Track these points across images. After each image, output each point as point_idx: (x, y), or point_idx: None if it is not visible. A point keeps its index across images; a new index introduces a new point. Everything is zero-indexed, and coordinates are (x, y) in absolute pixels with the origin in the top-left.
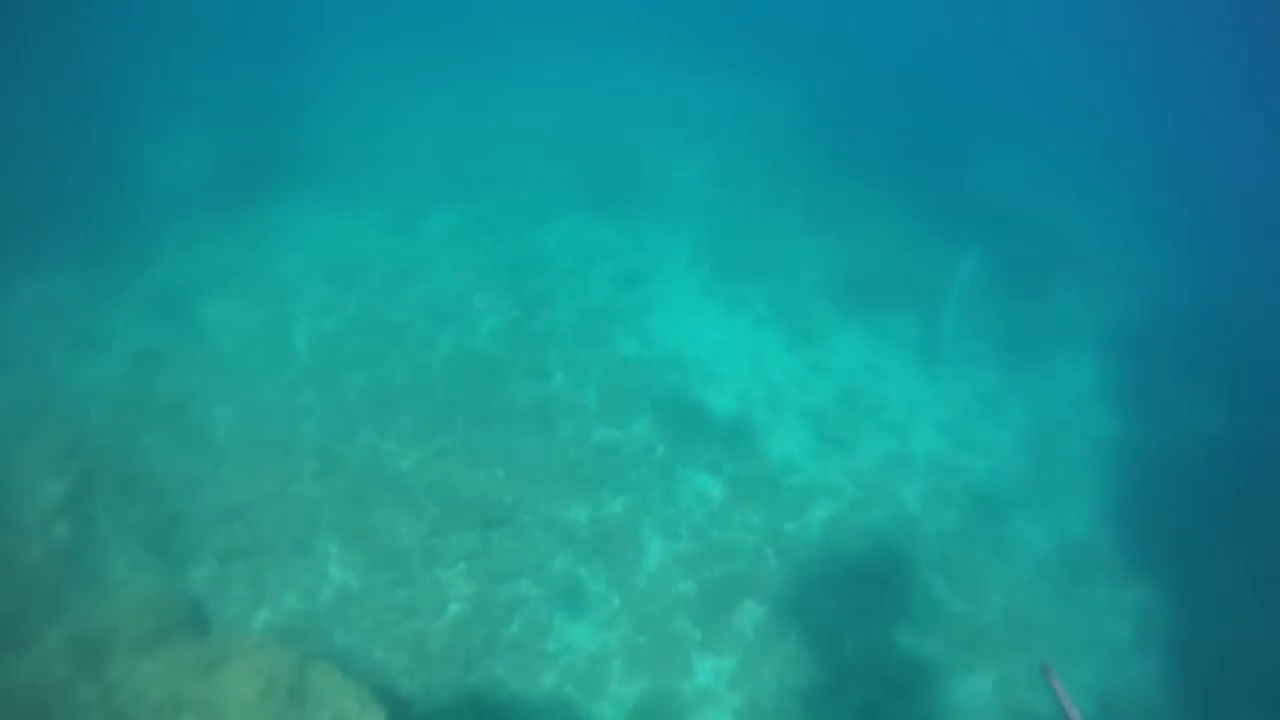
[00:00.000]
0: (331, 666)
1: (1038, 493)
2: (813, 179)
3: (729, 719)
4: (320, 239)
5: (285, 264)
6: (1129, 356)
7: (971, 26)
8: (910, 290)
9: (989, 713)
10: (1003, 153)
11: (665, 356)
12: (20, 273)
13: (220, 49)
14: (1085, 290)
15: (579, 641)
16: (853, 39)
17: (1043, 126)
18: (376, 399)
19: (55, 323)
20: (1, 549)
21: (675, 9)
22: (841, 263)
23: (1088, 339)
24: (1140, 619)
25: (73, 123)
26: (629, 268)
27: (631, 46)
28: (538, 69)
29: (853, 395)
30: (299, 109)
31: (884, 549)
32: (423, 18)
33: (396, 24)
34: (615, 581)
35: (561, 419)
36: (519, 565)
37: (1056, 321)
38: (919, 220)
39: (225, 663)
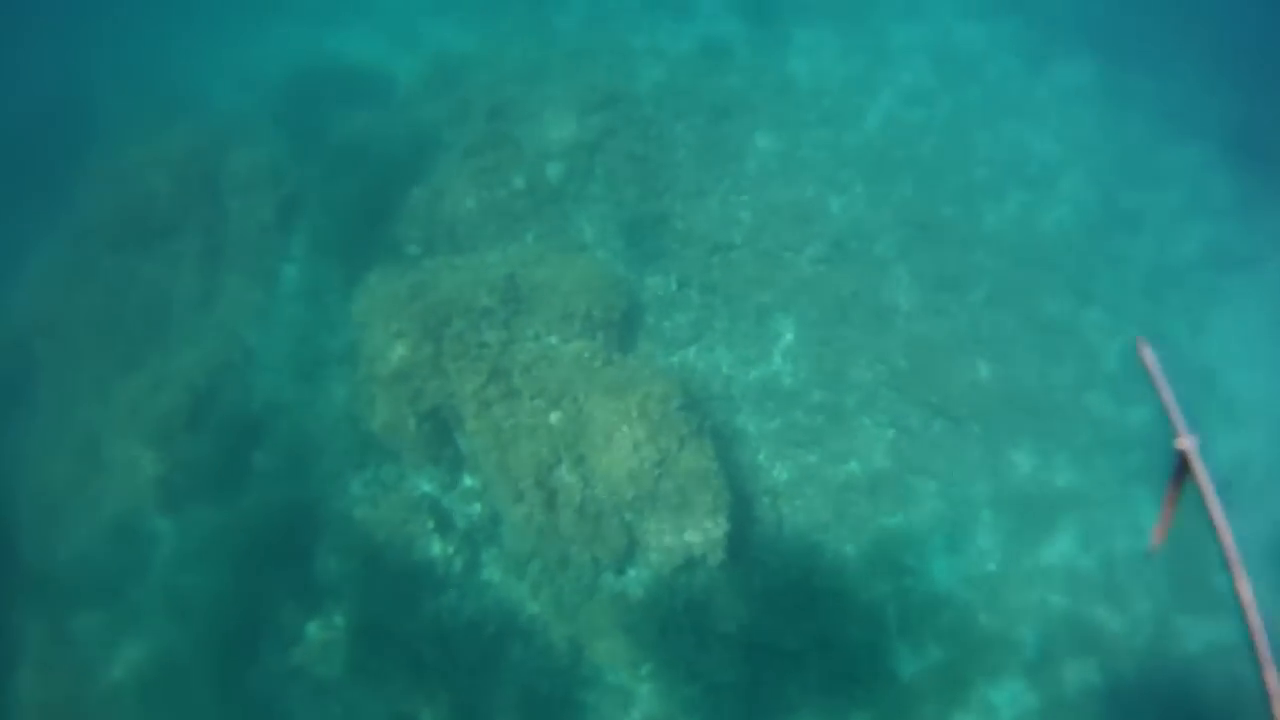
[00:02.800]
0: (711, 451)
1: None
2: None
3: None
4: (942, 23)
5: (897, 29)
6: None
7: None
8: None
9: None
10: None
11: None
12: None
13: None
14: None
15: None
16: None
17: None
18: (915, 221)
19: None
20: (497, 161)
21: None
22: None
23: None
24: None
25: None
26: (1229, 245)
27: None
28: None
29: None
30: None
31: None
32: None
33: None
34: None
35: None
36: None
37: None
38: None
39: (622, 392)
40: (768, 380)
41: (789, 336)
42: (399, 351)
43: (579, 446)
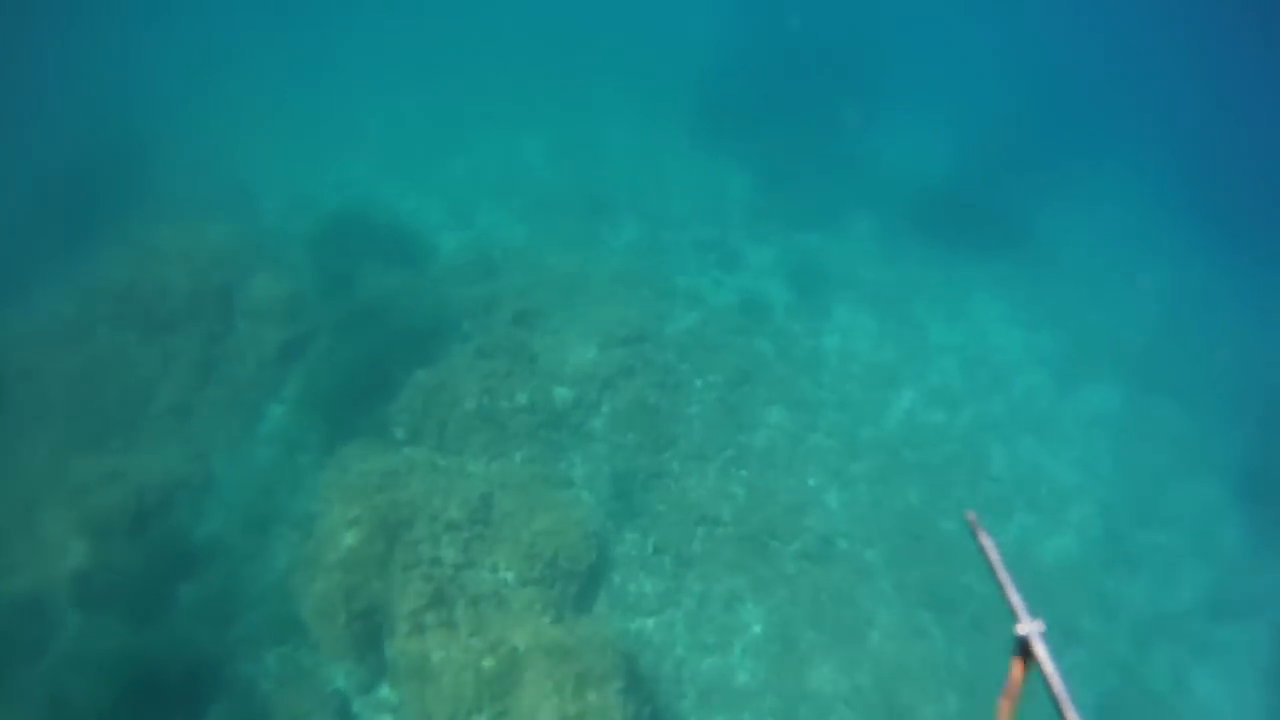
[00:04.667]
0: None
1: None
2: None
3: None
4: (981, 325)
5: (935, 325)
6: None
7: None
8: None
9: None
10: None
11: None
12: None
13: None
14: None
15: None
16: None
17: None
18: (911, 531)
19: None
20: (508, 370)
21: None
22: None
23: None
24: None
25: None
26: (1228, 593)
27: None
28: None
29: None
30: (1042, 179)
31: None
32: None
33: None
34: None
35: None
36: None
37: None
38: None
39: (565, 658)
40: (723, 673)
41: (756, 629)
42: (349, 541)
43: (504, 701)
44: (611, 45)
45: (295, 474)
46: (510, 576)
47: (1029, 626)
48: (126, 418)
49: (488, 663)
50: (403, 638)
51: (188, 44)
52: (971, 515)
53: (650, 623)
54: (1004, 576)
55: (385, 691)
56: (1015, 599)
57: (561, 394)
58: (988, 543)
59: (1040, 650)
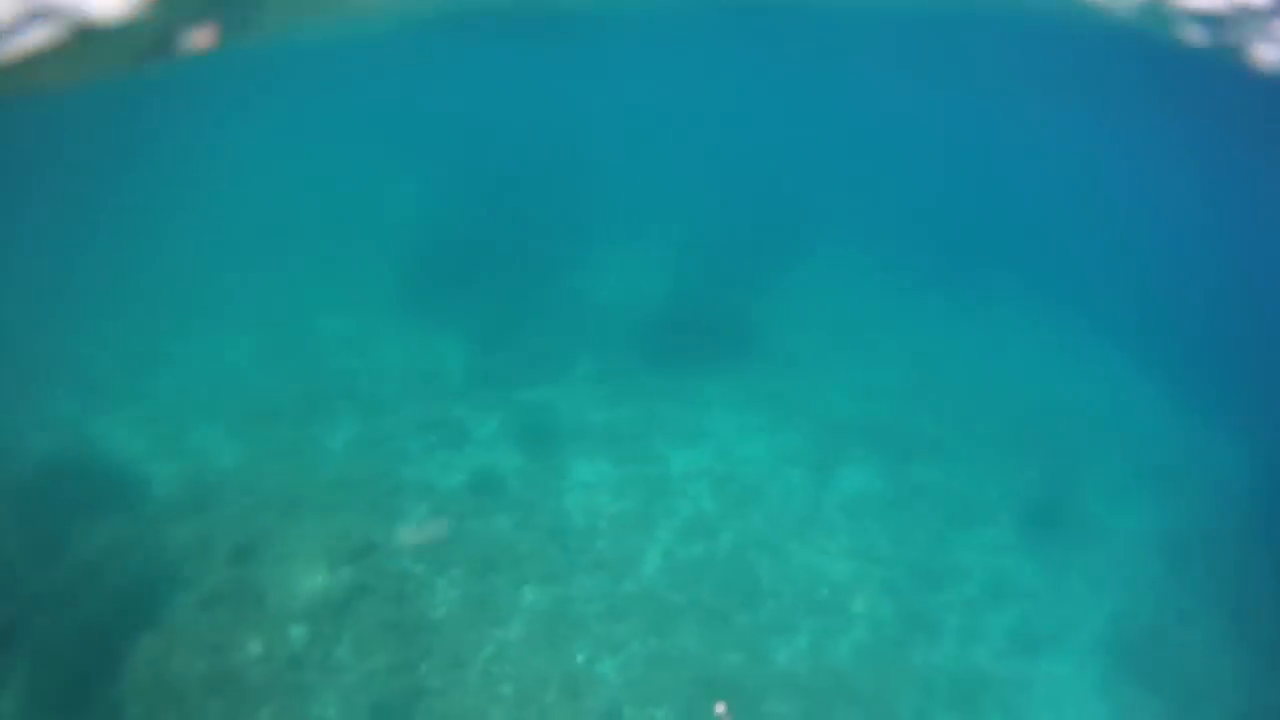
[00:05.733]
0: None
1: None
2: (1258, 581)
3: None
4: (723, 442)
5: (677, 455)
6: None
7: None
8: None
9: None
10: None
11: None
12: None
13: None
14: None
15: None
16: None
17: None
18: (696, 677)
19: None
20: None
21: None
22: (1250, 708)
23: None
24: None
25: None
26: (1033, 625)
27: (1114, 332)
28: (1017, 328)
29: None
30: (757, 282)
31: None
32: (916, 241)
33: (890, 234)
34: None
35: None
36: None
37: None
38: None
39: None
40: None
41: None
42: None
43: None
44: (314, 226)
45: None
46: None
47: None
48: None
49: None
50: None
51: None
52: (720, 707)
53: None
54: None
55: None
56: None
57: (297, 631)
58: None
59: None
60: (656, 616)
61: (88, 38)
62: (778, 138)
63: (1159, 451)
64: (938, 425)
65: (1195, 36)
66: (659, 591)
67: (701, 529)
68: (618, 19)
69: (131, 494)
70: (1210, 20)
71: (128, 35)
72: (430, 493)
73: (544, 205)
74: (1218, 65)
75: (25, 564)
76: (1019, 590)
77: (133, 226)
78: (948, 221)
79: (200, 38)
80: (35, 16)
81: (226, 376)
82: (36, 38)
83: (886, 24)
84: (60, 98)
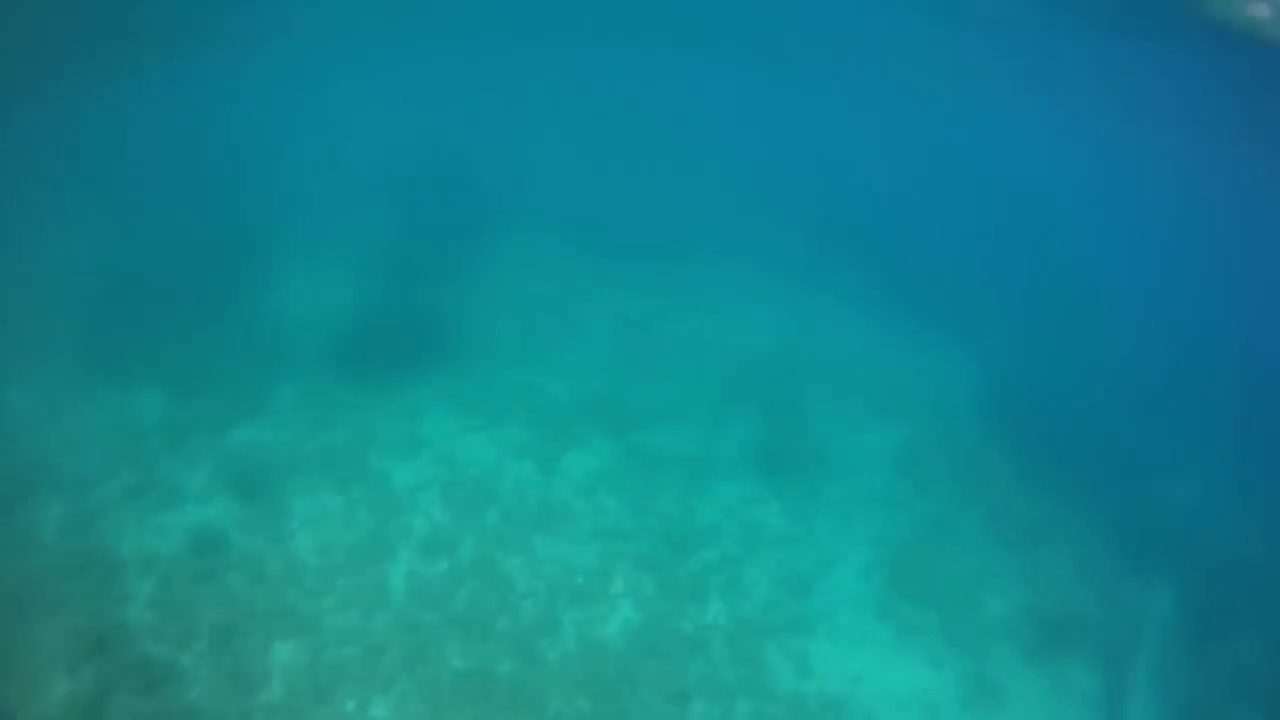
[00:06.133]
0: None
1: None
2: (999, 479)
3: None
4: (444, 447)
5: (399, 469)
6: None
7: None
8: (1097, 638)
9: None
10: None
11: (825, 699)
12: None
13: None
14: None
15: None
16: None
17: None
18: (474, 695)
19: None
20: None
21: (874, 233)
22: (1026, 595)
23: None
24: None
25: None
26: (796, 567)
27: (815, 271)
28: (717, 282)
29: None
30: (449, 276)
31: None
32: (600, 210)
33: (574, 206)
34: None
35: None
36: None
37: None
38: (1108, 547)
39: None
40: None
41: None
42: None
43: None
44: None
45: None
46: None
47: None
48: None
49: None
50: None
51: None
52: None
53: None
54: None
55: None
56: None
57: None
58: None
59: None
60: (417, 643)
61: None
62: (453, 124)
63: (883, 381)
64: (657, 391)
65: None
66: (413, 616)
67: (441, 542)
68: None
69: None
70: None
71: None
72: (154, 564)
73: (218, 228)
74: None
75: None
76: (774, 537)
77: None
78: (638, 185)
79: None
80: None
81: None
82: None
83: None
84: None
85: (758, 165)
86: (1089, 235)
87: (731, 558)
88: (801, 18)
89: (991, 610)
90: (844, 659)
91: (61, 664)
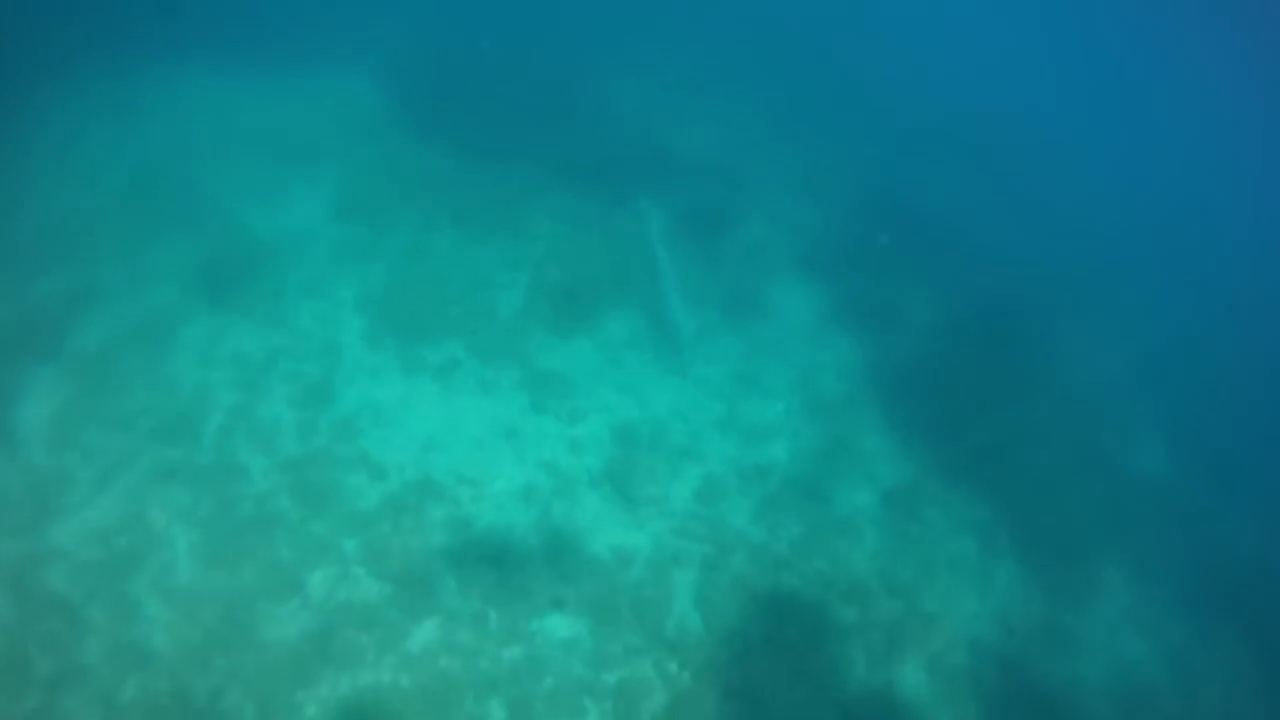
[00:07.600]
0: None
1: (837, 454)
2: (444, 174)
3: None
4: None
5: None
6: (830, 272)
7: None
8: (615, 280)
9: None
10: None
11: (415, 486)
12: None
13: None
14: (770, 216)
15: None
16: None
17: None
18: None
19: None
20: None
21: None
22: (528, 274)
23: (789, 265)
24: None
25: None
26: (304, 375)
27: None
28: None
29: (627, 435)
30: None
31: (759, 598)
32: None
33: None
34: None
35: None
36: None
37: (756, 257)
38: (581, 187)
39: None
40: None
41: None
42: None
43: None
44: None
45: None
46: None
47: None
48: None
49: None
50: None
51: None
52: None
53: None
54: None
55: None
56: None
57: None
58: None
59: None
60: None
61: None
62: None
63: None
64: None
65: None
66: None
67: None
68: None
69: None
70: None
71: None
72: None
73: None
74: None
75: None
76: (265, 358)
77: None
78: None
79: None
80: None
81: None
82: None
83: None
84: None
85: None
86: None
87: (240, 408)
88: None
89: (507, 305)
90: (406, 434)
91: None
